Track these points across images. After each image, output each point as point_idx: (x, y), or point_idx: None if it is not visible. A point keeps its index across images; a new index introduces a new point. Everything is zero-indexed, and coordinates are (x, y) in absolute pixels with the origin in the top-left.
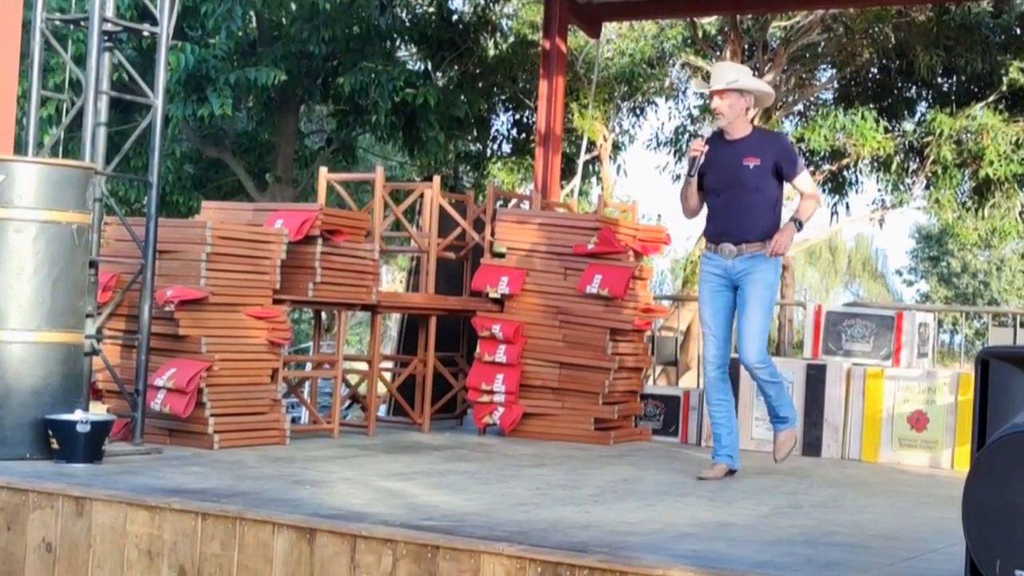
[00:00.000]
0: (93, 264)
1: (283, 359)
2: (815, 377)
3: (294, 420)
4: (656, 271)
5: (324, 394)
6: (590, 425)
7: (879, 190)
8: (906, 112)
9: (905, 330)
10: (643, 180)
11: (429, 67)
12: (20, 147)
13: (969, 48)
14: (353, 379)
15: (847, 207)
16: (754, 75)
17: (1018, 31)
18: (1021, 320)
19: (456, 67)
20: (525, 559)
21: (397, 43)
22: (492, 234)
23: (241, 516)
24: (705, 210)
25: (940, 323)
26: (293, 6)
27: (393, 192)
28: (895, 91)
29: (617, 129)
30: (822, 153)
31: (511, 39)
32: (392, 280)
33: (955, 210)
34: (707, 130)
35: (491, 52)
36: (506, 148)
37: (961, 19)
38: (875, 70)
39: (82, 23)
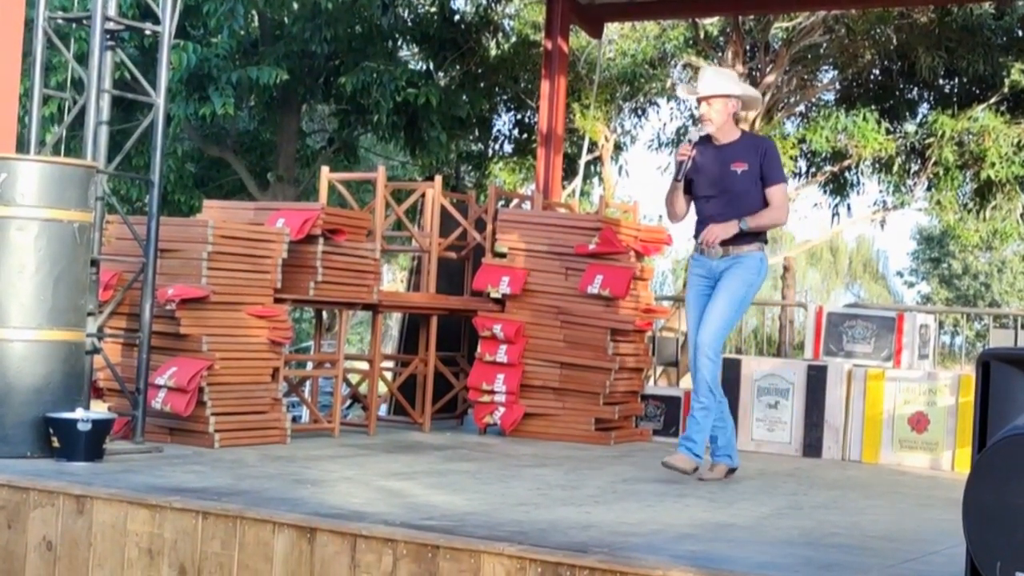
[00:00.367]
0: (95, 262)
1: (284, 358)
2: (816, 378)
3: (295, 419)
4: (657, 272)
5: (325, 393)
6: (591, 425)
7: (880, 191)
8: (908, 113)
9: (906, 331)
10: (644, 181)
11: (431, 67)
12: (22, 145)
13: (971, 50)
14: (354, 378)
15: (848, 208)
16: (741, 79)
17: (1020, 33)
18: (1022, 322)
19: (458, 67)
20: (525, 559)
21: (399, 43)
22: (493, 234)
23: (242, 515)
24: (692, 214)
25: (941, 325)
26: (295, 5)
27: (395, 192)
28: (897, 92)
29: (619, 130)
30: (824, 154)
31: (513, 39)
32: (393, 279)
33: (956, 212)
34: (694, 134)
35: (493, 52)
36: (508, 148)
37: (963, 21)
38: (877, 71)
39: (84, 21)
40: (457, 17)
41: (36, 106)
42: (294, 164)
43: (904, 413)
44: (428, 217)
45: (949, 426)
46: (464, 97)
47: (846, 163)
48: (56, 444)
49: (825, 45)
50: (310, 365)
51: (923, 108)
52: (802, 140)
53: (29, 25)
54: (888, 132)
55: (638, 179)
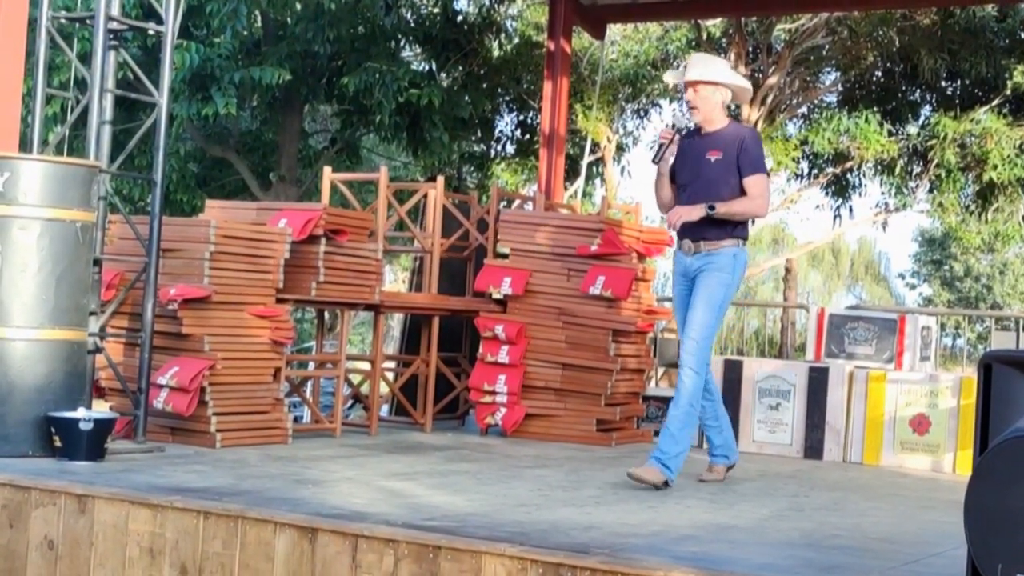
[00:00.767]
0: (97, 262)
1: (286, 358)
2: (817, 380)
3: (296, 419)
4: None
5: (326, 393)
6: (592, 426)
7: (882, 193)
8: (910, 115)
9: (908, 333)
10: (646, 182)
11: (433, 67)
12: (25, 145)
13: (973, 52)
14: (356, 379)
15: (850, 210)
16: (732, 68)
17: (1022, 35)
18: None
19: (460, 68)
20: (526, 560)
21: (402, 43)
22: (495, 235)
23: (243, 515)
24: None
25: (943, 327)
26: (298, 6)
27: (397, 192)
28: (899, 94)
29: (621, 131)
30: (826, 156)
31: (515, 40)
32: (395, 280)
33: (958, 214)
34: (679, 118)
35: (495, 53)
36: (510, 149)
37: (965, 23)
38: (879, 73)
39: (88, 21)
40: (460, 18)
41: (39, 105)
42: (296, 164)
43: (905, 415)
44: (430, 218)
45: (950, 428)
46: (466, 98)
47: (848, 165)
48: (58, 443)
49: (827, 47)
50: (312, 365)
51: (925, 110)
52: (804, 142)
53: (32, 24)
54: (890, 134)
55: (640, 180)
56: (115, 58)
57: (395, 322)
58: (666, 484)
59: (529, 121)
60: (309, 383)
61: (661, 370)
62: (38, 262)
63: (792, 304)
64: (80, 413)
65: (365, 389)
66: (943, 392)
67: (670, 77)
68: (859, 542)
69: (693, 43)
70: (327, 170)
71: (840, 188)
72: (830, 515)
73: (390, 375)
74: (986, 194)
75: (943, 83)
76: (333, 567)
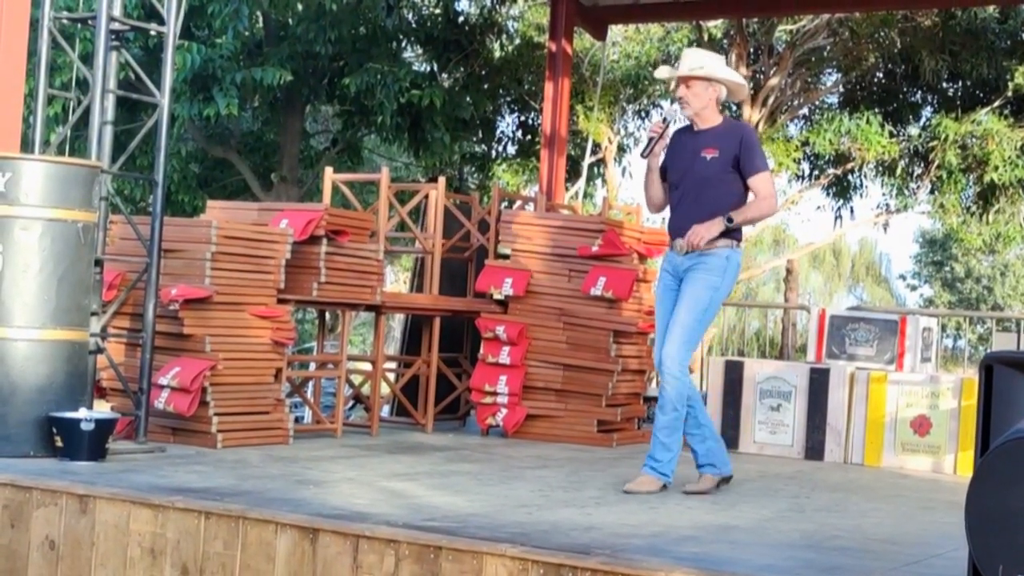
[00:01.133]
0: (98, 262)
1: (287, 359)
2: (818, 381)
3: (297, 420)
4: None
5: (327, 394)
6: (593, 427)
7: (883, 194)
8: (911, 117)
9: (908, 335)
10: None
11: (435, 68)
12: (27, 145)
13: (975, 53)
14: (357, 379)
15: (851, 211)
16: (727, 64)
17: None
18: None
19: (462, 68)
20: (527, 560)
21: (403, 44)
22: (496, 235)
23: (244, 515)
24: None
25: (944, 328)
26: (300, 6)
27: (398, 193)
28: (900, 95)
29: (622, 132)
30: (827, 157)
31: (517, 41)
32: (396, 281)
33: (959, 215)
34: (671, 112)
35: (497, 54)
36: (511, 150)
37: (967, 24)
38: (880, 74)
39: (89, 22)
40: (461, 19)
41: (41, 106)
42: (298, 165)
43: (906, 416)
44: (431, 218)
45: (951, 429)
46: (468, 98)
47: (849, 166)
48: (59, 443)
49: (829, 48)
50: (313, 366)
51: (926, 111)
52: (805, 143)
53: (34, 25)
54: (891, 135)
55: (641, 181)
56: (117, 58)
57: (396, 323)
58: (664, 487)
59: (530, 122)
60: (310, 384)
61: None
62: (40, 262)
63: (793, 305)
64: (81, 413)
65: (366, 390)
66: (944, 393)
67: (663, 72)
68: (860, 543)
69: (694, 44)
70: (328, 171)
71: (841, 189)
72: (831, 516)
73: (391, 376)
74: (987, 195)
75: (944, 84)
76: (334, 567)
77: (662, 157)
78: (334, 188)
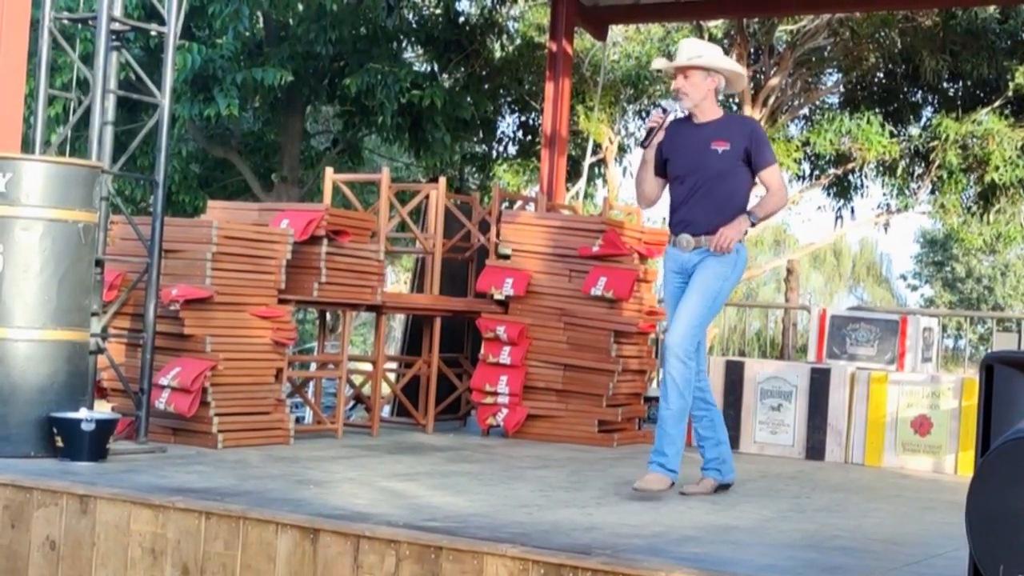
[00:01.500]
0: (99, 263)
1: (287, 359)
2: (819, 381)
3: (298, 420)
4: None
5: (328, 394)
6: (593, 427)
7: (884, 194)
8: (912, 117)
9: (909, 335)
10: None
11: (435, 68)
12: (27, 146)
13: (975, 53)
14: (357, 379)
15: (852, 211)
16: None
17: None
18: None
19: (462, 69)
20: (528, 560)
21: (404, 44)
22: (497, 236)
23: (244, 515)
24: (666, 200)
25: (944, 328)
26: (300, 7)
27: (399, 193)
28: (901, 96)
29: (623, 132)
30: (827, 157)
31: (517, 41)
32: (397, 281)
33: (960, 215)
34: (670, 104)
35: (497, 54)
36: (512, 150)
37: (967, 24)
38: (881, 74)
39: (90, 22)
40: (462, 19)
41: (41, 106)
42: (298, 165)
43: (907, 416)
44: (432, 219)
45: (952, 429)
46: (468, 99)
47: (850, 166)
48: (60, 444)
49: (829, 48)
50: (314, 366)
51: (927, 111)
52: (806, 143)
53: (35, 25)
54: (892, 135)
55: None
56: (117, 59)
57: (397, 323)
58: (672, 485)
59: (531, 122)
60: (311, 384)
61: (662, 371)
62: (40, 263)
63: (794, 305)
64: (82, 414)
65: (367, 390)
66: (945, 393)
67: (660, 63)
68: (861, 543)
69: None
70: (329, 171)
71: (842, 189)
72: (832, 516)
73: (392, 376)
74: (988, 195)
75: (945, 84)
76: (335, 568)
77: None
78: (335, 188)
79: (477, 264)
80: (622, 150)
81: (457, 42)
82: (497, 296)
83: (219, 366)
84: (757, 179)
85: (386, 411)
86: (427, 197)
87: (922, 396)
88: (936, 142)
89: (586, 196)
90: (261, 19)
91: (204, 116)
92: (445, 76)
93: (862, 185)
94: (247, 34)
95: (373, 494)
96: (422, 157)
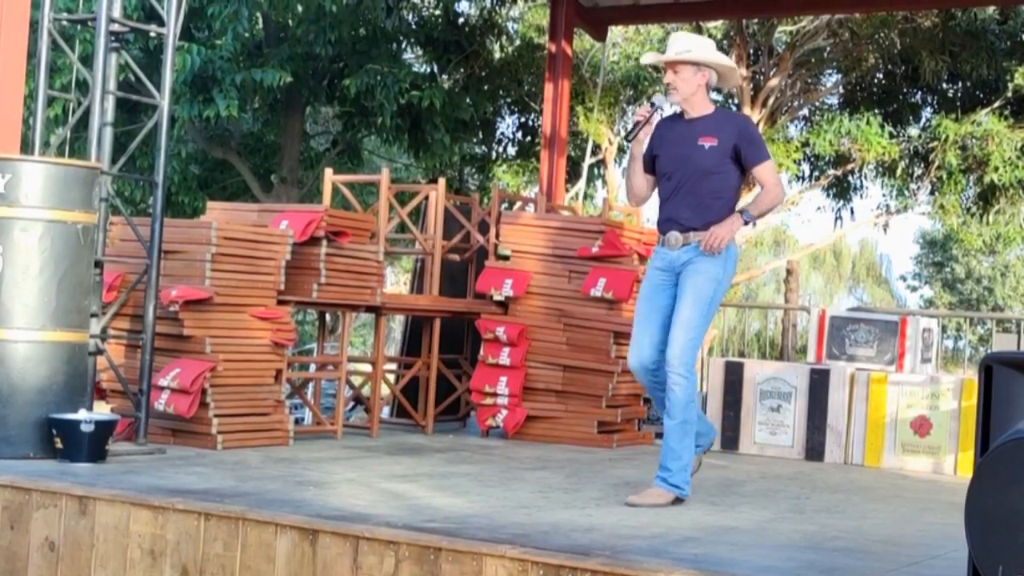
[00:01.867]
0: (98, 264)
1: (287, 360)
2: (818, 382)
3: (297, 421)
4: None
5: (328, 395)
6: (593, 428)
7: (884, 195)
8: (911, 117)
9: (909, 335)
10: None
11: (435, 69)
12: (27, 146)
13: (975, 54)
14: (357, 380)
15: (851, 212)
16: (744, 82)
17: None
18: None
19: (462, 69)
20: (527, 561)
21: (403, 45)
22: (497, 237)
23: (244, 517)
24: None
25: (944, 329)
26: (299, 8)
27: (398, 194)
28: (900, 96)
29: (622, 133)
30: (827, 158)
31: (517, 42)
32: (396, 282)
33: (960, 216)
34: (659, 99)
35: (497, 55)
36: (511, 151)
37: (967, 25)
38: (880, 75)
39: (89, 23)
40: (461, 20)
41: (41, 107)
42: (298, 166)
43: (907, 417)
44: (431, 219)
45: (951, 430)
46: (468, 100)
47: (849, 167)
48: (59, 445)
49: (829, 49)
50: (313, 367)
51: (926, 112)
52: (805, 144)
53: (34, 26)
54: (891, 136)
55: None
56: (116, 60)
57: (396, 324)
58: (678, 500)
59: (530, 123)
60: (310, 385)
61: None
62: (39, 264)
63: (793, 306)
64: (81, 415)
65: (366, 391)
66: (944, 394)
67: (649, 58)
68: (860, 544)
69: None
70: (328, 172)
71: (841, 190)
72: (831, 517)
73: (391, 377)
74: (987, 196)
75: (944, 85)
76: (334, 568)
77: (646, 143)
78: (334, 189)
79: (476, 265)
80: (622, 151)
81: (456, 43)
82: (496, 297)
83: (218, 367)
84: (750, 177)
85: (385, 412)
86: (427, 198)
87: (922, 397)
88: (936, 143)
89: (586, 197)
90: (260, 20)
91: (203, 117)
92: (444, 77)
93: (862, 186)
94: (246, 35)
95: (372, 495)
96: (421, 158)
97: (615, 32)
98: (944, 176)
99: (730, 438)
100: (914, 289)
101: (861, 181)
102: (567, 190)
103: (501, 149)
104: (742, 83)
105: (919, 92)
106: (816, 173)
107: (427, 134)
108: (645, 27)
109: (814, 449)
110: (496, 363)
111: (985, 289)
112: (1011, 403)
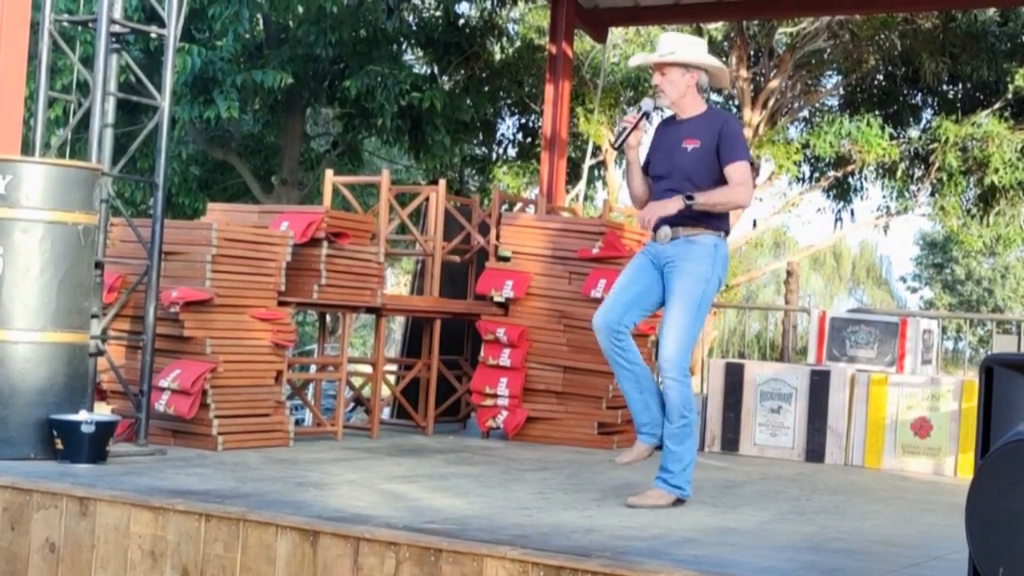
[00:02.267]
0: (99, 265)
1: (287, 361)
2: (819, 383)
3: (298, 422)
4: None
5: (328, 396)
6: (593, 429)
7: (884, 197)
8: (911, 119)
9: (909, 337)
10: None
11: (435, 71)
12: (27, 148)
13: (975, 55)
14: (357, 381)
15: (852, 213)
16: (744, 83)
17: None
18: None
19: (462, 71)
20: (527, 563)
21: (404, 46)
22: (497, 238)
23: (244, 518)
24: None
25: (944, 330)
26: (300, 9)
27: (399, 195)
28: (901, 98)
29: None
30: (827, 159)
31: (517, 43)
32: (397, 283)
33: (960, 217)
34: (648, 104)
35: (497, 56)
36: (511, 152)
37: (967, 26)
38: (881, 77)
39: (90, 24)
40: (461, 21)
41: (41, 108)
42: (298, 167)
43: (907, 418)
44: (432, 221)
45: (952, 431)
46: (468, 101)
47: (850, 168)
48: (59, 446)
49: (829, 50)
50: (313, 368)
51: (927, 113)
52: (805, 145)
53: (35, 28)
54: (892, 137)
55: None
56: (117, 61)
57: (397, 325)
58: (679, 501)
59: (531, 124)
60: (311, 386)
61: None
62: (40, 265)
63: (793, 307)
64: (82, 416)
65: (367, 392)
66: (944, 395)
67: (636, 60)
68: (860, 545)
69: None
70: (329, 173)
71: (841, 191)
72: (831, 518)
73: (392, 378)
74: (987, 197)
75: (944, 87)
76: (334, 570)
77: (639, 148)
78: (334, 190)
79: (477, 266)
80: (622, 152)
81: (457, 44)
82: (497, 298)
83: (219, 368)
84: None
85: (386, 413)
86: (427, 199)
87: (922, 398)
88: (936, 144)
89: (586, 198)
90: (261, 21)
91: (204, 118)
92: (445, 78)
93: (862, 187)
94: (247, 36)
95: (373, 496)
96: (422, 159)
97: (615, 33)
98: (944, 178)
99: (730, 439)
100: (914, 290)
101: (861, 183)
102: (567, 191)
103: (501, 150)
104: (742, 84)
105: (919, 94)
106: (816, 174)
107: (427, 135)
108: (645, 28)
109: (814, 450)
110: (496, 364)
111: (985, 290)
112: (1012, 405)
